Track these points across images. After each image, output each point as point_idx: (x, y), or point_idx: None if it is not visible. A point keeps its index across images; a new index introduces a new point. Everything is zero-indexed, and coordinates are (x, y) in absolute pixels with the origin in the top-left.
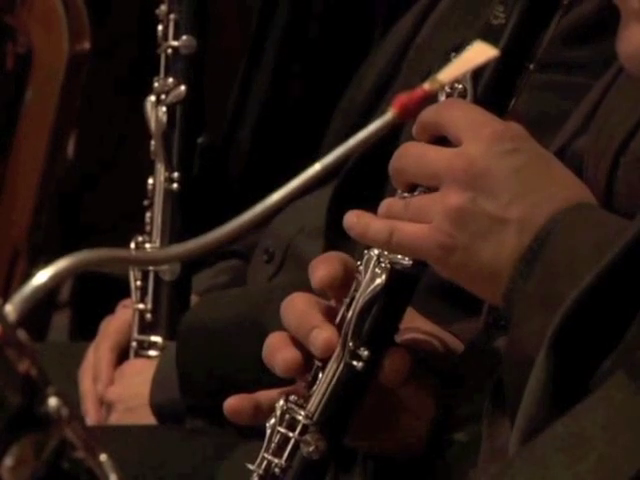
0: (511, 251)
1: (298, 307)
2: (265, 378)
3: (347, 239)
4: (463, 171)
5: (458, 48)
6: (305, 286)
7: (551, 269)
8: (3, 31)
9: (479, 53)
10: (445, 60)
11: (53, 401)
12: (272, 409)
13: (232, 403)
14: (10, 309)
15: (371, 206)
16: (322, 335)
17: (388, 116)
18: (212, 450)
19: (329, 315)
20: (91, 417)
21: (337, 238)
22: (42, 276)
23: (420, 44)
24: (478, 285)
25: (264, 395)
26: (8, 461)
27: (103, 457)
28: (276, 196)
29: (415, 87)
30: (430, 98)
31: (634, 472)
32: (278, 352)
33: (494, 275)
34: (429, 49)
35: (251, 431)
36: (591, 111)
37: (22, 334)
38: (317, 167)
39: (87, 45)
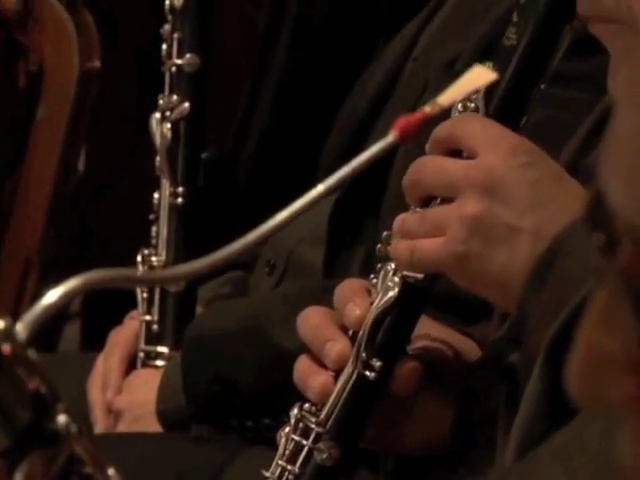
0: (525, 259)
1: (313, 320)
2: (267, 385)
3: (347, 249)
4: (480, 181)
5: (452, 63)
6: (304, 292)
7: (564, 278)
8: (16, 49)
9: (478, 76)
10: (440, 73)
11: (62, 418)
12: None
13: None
14: (21, 328)
15: (370, 217)
16: (336, 347)
17: (389, 138)
18: (217, 456)
19: (343, 327)
20: (100, 425)
21: (338, 248)
22: (52, 295)
23: (417, 57)
24: (492, 292)
25: None
26: (18, 476)
27: (111, 471)
28: (280, 217)
29: (412, 106)
30: (430, 121)
31: None
32: (309, 377)
33: (507, 282)
34: (425, 64)
35: (255, 437)
36: (596, 127)
37: (32, 353)
38: (320, 188)
39: (97, 63)
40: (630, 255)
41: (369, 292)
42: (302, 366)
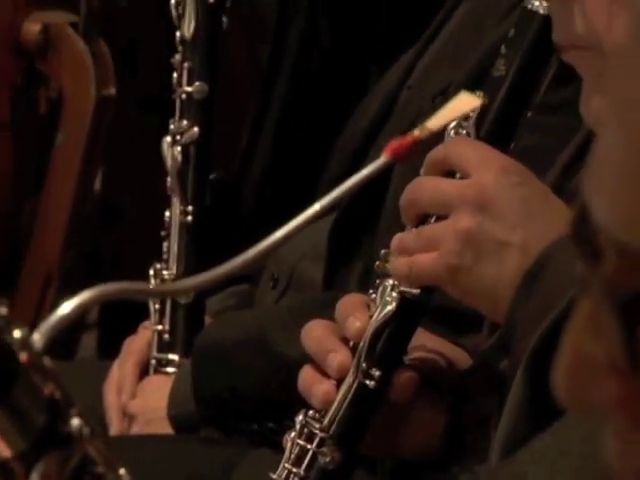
0: (513, 272)
1: (316, 333)
2: (271, 391)
3: (345, 265)
4: (473, 198)
5: (444, 92)
6: (306, 305)
7: (550, 290)
8: (37, 77)
9: (464, 103)
10: (432, 103)
11: (76, 421)
12: None
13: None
14: (37, 337)
15: (366, 235)
16: (337, 358)
17: (381, 160)
18: (224, 457)
19: (344, 339)
20: (115, 427)
21: (337, 264)
22: (67, 306)
23: (411, 87)
24: (482, 302)
25: None
26: (35, 476)
27: (122, 471)
28: (279, 233)
29: (406, 133)
30: (419, 143)
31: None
32: (313, 386)
33: (497, 293)
34: (419, 92)
35: (260, 439)
36: (578, 152)
37: (47, 360)
38: (316, 207)
39: (112, 90)
40: (614, 266)
41: (368, 306)
42: (306, 375)
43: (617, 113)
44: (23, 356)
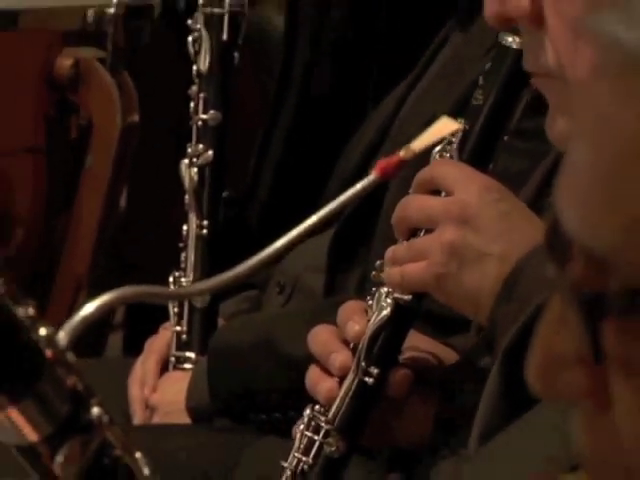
0: (493, 279)
1: (321, 337)
2: (278, 386)
3: (344, 274)
4: (457, 214)
5: (431, 121)
6: (308, 312)
7: (526, 295)
8: (68, 106)
9: (445, 126)
10: (420, 131)
11: (96, 410)
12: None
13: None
14: (62, 335)
15: (362, 248)
16: (339, 358)
17: (371, 177)
18: (236, 443)
19: (345, 341)
20: (138, 418)
21: (336, 273)
22: (89, 307)
23: (402, 118)
24: (466, 306)
25: None
26: (59, 458)
27: (138, 454)
28: (279, 242)
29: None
30: (405, 163)
31: (572, 463)
32: (318, 384)
33: (478, 298)
34: (410, 122)
35: (268, 428)
36: (549, 172)
37: (71, 356)
38: (314, 218)
39: (136, 118)
40: (580, 270)
41: (366, 311)
42: (312, 374)
43: (585, 136)
44: (48, 352)
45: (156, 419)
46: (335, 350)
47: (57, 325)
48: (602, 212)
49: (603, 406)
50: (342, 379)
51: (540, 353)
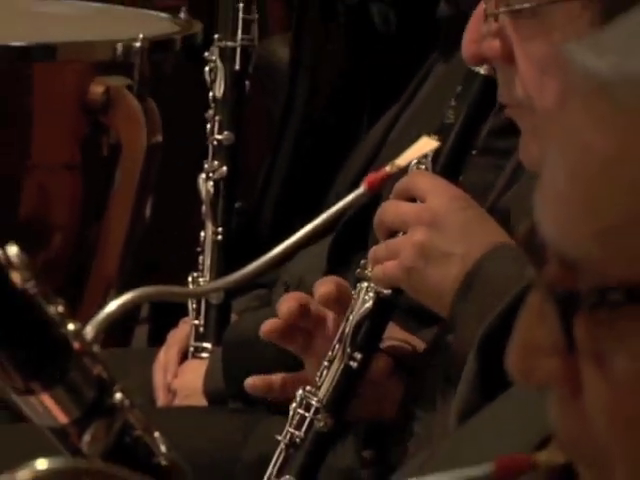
0: (455, 276)
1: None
2: (281, 371)
3: (342, 275)
4: (426, 219)
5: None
6: None
7: (483, 291)
8: (100, 128)
9: (425, 144)
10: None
11: (118, 395)
12: (282, 386)
13: (249, 382)
14: (89, 329)
15: (357, 253)
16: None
17: (360, 190)
18: (246, 422)
19: (335, 325)
20: (161, 400)
21: (335, 274)
22: (112, 305)
23: (393, 139)
24: (431, 300)
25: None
26: (86, 438)
27: (156, 434)
28: (283, 246)
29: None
30: (391, 177)
31: (540, 439)
32: (284, 301)
33: (442, 293)
34: (399, 143)
35: (274, 409)
36: (507, 183)
37: (96, 347)
38: (310, 226)
39: (159, 138)
40: (555, 271)
41: (339, 285)
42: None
43: (558, 155)
44: (76, 344)
45: (177, 401)
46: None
47: (86, 320)
48: (573, 223)
49: (575, 391)
50: (330, 363)
51: (520, 343)
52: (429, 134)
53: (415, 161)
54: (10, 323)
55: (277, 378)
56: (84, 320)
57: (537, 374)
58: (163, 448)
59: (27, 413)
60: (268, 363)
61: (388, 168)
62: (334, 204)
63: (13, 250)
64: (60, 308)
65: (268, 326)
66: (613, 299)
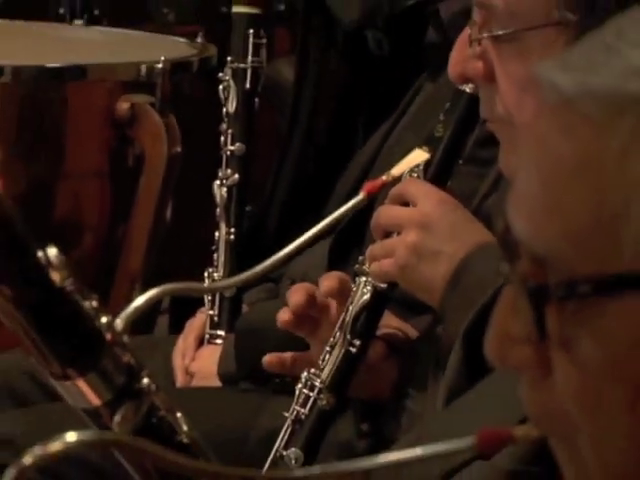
0: (444, 273)
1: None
2: None
3: (341, 271)
4: (418, 221)
5: (409, 152)
6: None
7: (469, 286)
8: (126, 140)
9: (417, 156)
10: (401, 158)
11: (145, 380)
12: (292, 363)
13: (266, 359)
14: (119, 321)
15: (354, 251)
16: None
17: (359, 196)
18: (257, 401)
19: (337, 313)
20: (180, 382)
21: (335, 270)
22: (140, 300)
23: (387, 149)
24: (423, 293)
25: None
26: (117, 419)
27: (179, 414)
28: (290, 247)
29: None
30: (387, 185)
31: (519, 417)
32: (294, 292)
33: (433, 287)
34: (393, 152)
35: (280, 389)
36: (490, 188)
37: (126, 337)
38: (314, 230)
39: (179, 149)
40: (526, 267)
41: (342, 280)
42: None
43: (529, 163)
44: (108, 335)
45: (194, 383)
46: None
47: (116, 313)
48: (543, 223)
49: (545, 374)
50: (332, 348)
51: (496, 332)
52: (420, 146)
53: (407, 170)
54: (50, 317)
55: (288, 356)
56: (112, 310)
57: (511, 359)
58: (185, 427)
59: (64, 396)
60: (275, 349)
61: (385, 177)
62: (335, 207)
63: (53, 252)
64: (94, 303)
65: (282, 318)
66: (580, 292)
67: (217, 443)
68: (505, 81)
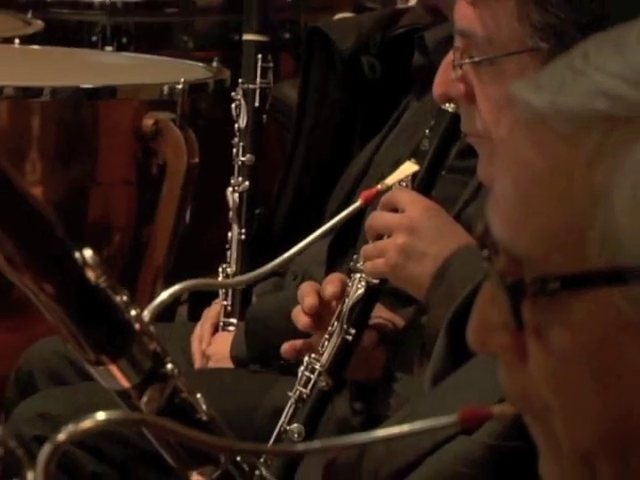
0: (430, 271)
1: (306, 289)
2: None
3: (338, 266)
4: (406, 225)
5: (398, 162)
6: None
7: (451, 283)
8: (150, 152)
9: (408, 168)
10: (391, 169)
11: (169, 365)
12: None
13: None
14: (146, 313)
15: (350, 249)
16: (308, 301)
17: (357, 203)
18: (264, 381)
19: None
20: (197, 364)
21: (333, 266)
22: (164, 294)
23: (377, 159)
24: (411, 290)
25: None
26: (144, 399)
27: (198, 395)
28: (296, 247)
29: (372, 187)
30: (382, 192)
31: (498, 397)
32: (305, 297)
33: (420, 283)
34: (383, 162)
35: (285, 370)
36: (471, 196)
37: (152, 327)
38: (318, 232)
39: (196, 160)
40: (503, 263)
41: (343, 281)
42: (302, 290)
43: (505, 172)
44: (137, 326)
45: (210, 365)
46: (309, 294)
47: (142, 304)
48: (517, 226)
49: (521, 359)
50: (330, 336)
51: (477, 322)
52: (409, 158)
53: (398, 180)
54: (86, 310)
55: (299, 343)
56: (138, 301)
57: (491, 346)
58: (204, 406)
59: (97, 379)
60: (280, 334)
61: (379, 186)
62: (332, 210)
63: (88, 253)
64: (124, 297)
65: (304, 321)
66: (551, 288)
67: (230, 418)
68: (484, 101)
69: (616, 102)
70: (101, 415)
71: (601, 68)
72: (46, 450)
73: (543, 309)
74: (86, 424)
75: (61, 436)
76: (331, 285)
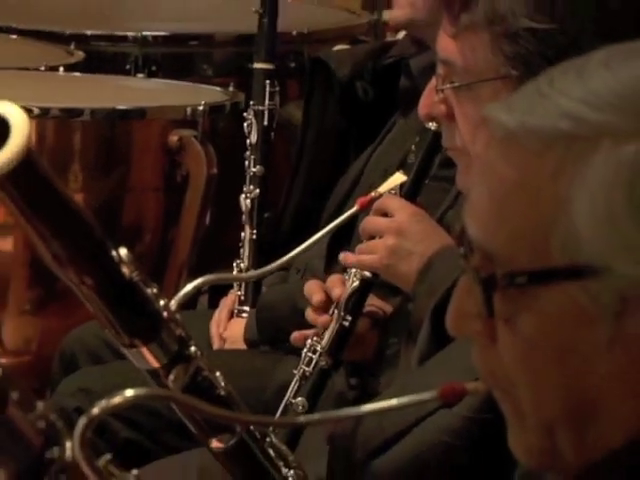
0: (416, 268)
1: (313, 287)
2: (295, 326)
3: (336, 261)
4: (395, 228)
5: (386, 172)
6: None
7: (434, 278)
8: (175, 164)
9: (398, 178)
10: (382, 177)
11: (193, 348)
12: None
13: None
14: (173, 303)
15: (347, 246)
16: (317, 298)
17: (353, 209)
18: (272, 360)
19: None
20: (215, 345)
21: (332, 261)
22: (188, 287)
23: (368, 169)
24: (400, 284)
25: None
26: (171, 377)
27: (217, 373)
28: (301, 246)
29: (367, 194)
30: (375, 199)
31: (475, 376)
32: (314, 294)
33: (408, 279)
34: (374, 171)
35: (292, 350)
36: (452, 202)
37: (179, 315)
38: (319, 234)
39: (215, 170)
40: (477, 260)
41: (343, 281)
42: (309, 287)
43: (480, 180)
44: (165, 314)
45: (226, 346)
46: (316, 292)
47: (169, 296)
48: (490, 228)
49: (492, 342)
50: (326, 327)
51: (454, 310)
52: (398, 169)
53: (389, 188)
54: (121, 301)
55: (309, 332)
56: (165, 293)
57: (466, 330)
58: (222, 383)
59: (131, 360)
60: (286, 320)
61: (373, 193)
62: (329, 215)
63: (123, 251)
64: (154, 290)
65: (321, 320)
66: (518, 282)
67: (244, 392)
68: (463, 120)
69: (579, 123)
70: (129, 392)
71: (565, 93)
72: (82, 422)
73: (512, 300)
74: (116, 400)
75: (95, 410)
76: (337, 288)
